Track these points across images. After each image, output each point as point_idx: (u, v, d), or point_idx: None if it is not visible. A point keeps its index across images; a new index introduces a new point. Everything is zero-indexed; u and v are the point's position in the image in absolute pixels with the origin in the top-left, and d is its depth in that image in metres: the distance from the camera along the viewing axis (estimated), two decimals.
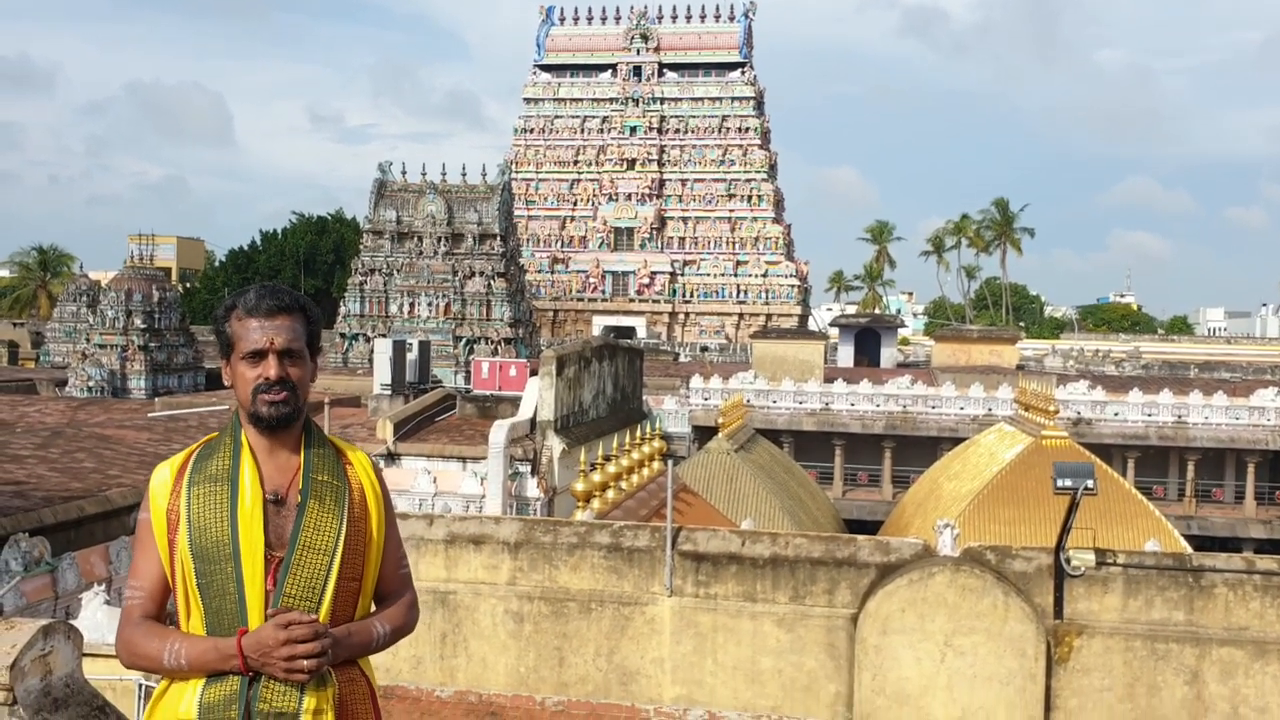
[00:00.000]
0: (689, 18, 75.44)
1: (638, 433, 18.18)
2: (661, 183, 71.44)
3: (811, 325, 69.86)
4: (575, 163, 72.84)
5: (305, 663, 2.68)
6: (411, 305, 39.44)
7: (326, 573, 2.81)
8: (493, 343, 38.34)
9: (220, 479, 2.81)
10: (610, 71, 74.48)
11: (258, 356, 2.85)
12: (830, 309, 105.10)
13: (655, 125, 72.15)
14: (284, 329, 2.88)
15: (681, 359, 54.34)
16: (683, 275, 70.16)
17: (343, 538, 2.84)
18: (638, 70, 73.62)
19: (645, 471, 17.37)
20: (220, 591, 2.74)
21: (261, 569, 2.75)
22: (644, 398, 25.08)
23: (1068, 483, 8.49)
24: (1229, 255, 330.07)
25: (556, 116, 73.82)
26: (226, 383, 2.95)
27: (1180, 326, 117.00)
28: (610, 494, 15.24)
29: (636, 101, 72.70)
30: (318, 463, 2.90)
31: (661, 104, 72.74)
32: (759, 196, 70.60)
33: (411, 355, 28.19)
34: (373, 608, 2.99)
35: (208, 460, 2.86)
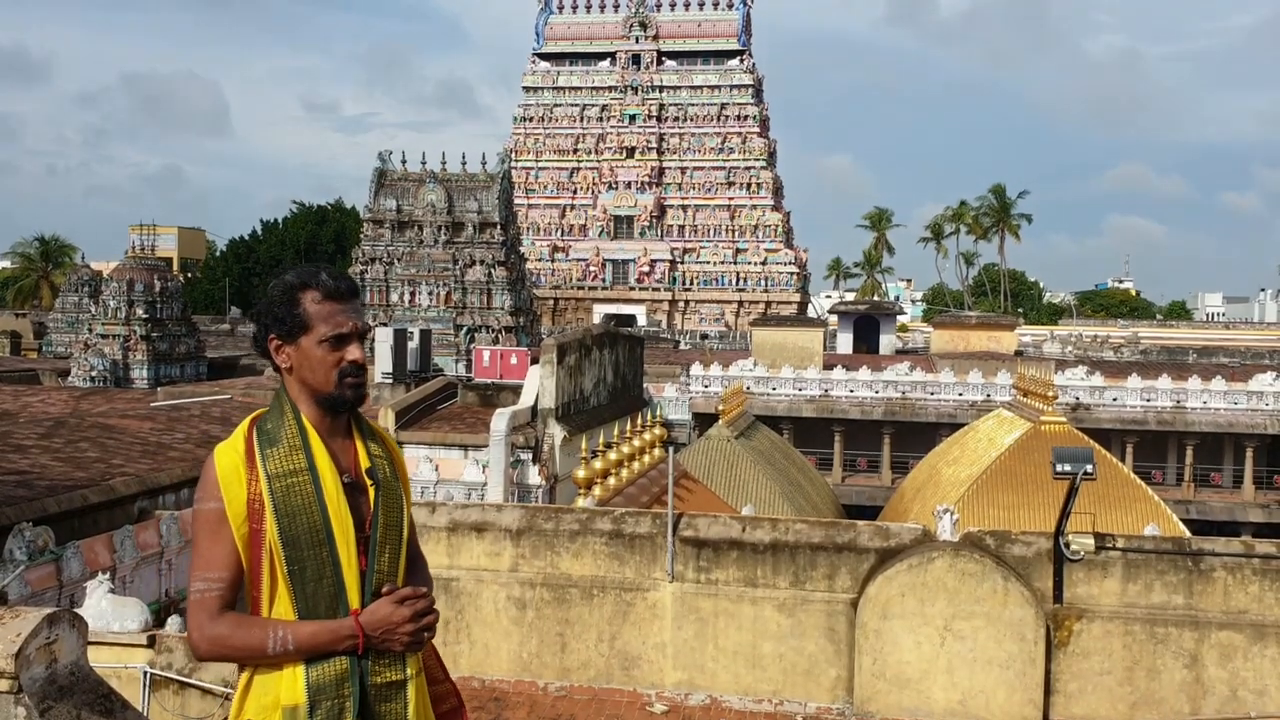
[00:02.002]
0: (687, 5, 75.20)
1: (638, 420, 18.20)
2: (661, 171, 71.33)
3: (811, 312, 69.86)
4: (575, 151, 72.72)
5: (428, 633, 2.83)
6: (412, 294, 39.41)
7: (400, 545, 2.92)
8: (493, 331, 38.31)
9: (298, 465, 2.82)
10: (609, 60, 74.30)
11: (343, 341, 2.86)
12: (829, 296, 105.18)
13: (654, 113, 72.00)
14: (361, 312, 2.94)
15: (681, 346, 54.34)
16: (682, 263, 70.11)
17: (407, 511, 2.96)
18: (636, 58, 73.43)
19: (646, 458, 17.38)
20: (316, 575, 2.78)
21: (354, 550, 2.82)
22: (644, 385, 25.11)
23: (1066, 468, 8.51)
24: (1226, 240, 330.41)
25: (556, 105, 73.66)
26: (283, 364, 2.87)
27: (1179, 312, 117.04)
28: (611, 481, 15.25)
29: (635, 89, 72.53)
30: (373, 443, 2.98)
31: (660, 92, 72.58)
32: (758, 184, 70.49)
33: (413, 344, 28.29)
34: None
35: (275, 445, 2.83)
